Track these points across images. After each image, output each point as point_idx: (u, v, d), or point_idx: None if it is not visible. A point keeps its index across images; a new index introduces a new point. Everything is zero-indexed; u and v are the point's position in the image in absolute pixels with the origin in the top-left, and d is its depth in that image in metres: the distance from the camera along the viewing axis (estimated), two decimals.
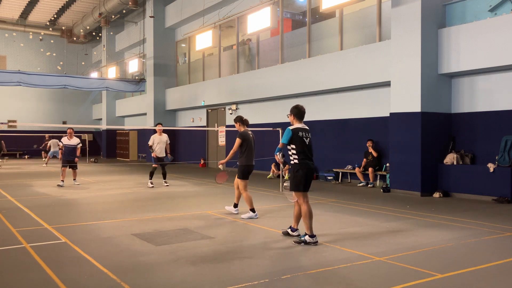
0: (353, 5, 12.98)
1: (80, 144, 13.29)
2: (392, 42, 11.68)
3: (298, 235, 6.14)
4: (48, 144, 22.27)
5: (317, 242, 5.88)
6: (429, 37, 11.00)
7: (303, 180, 5.89)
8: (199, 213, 8.30)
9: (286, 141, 5.93)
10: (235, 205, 8.28)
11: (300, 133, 5.92)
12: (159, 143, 12.88)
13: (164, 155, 13.05)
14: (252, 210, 7.85)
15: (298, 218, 6.21)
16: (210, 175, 16.88)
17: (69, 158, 13.00)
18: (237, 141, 7.89)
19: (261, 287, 4.24)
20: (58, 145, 13.49)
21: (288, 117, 6.24)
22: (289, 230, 6.38)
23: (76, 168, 13.34)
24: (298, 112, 6.06)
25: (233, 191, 8.23)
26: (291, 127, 5.98)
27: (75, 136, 13.27)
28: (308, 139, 6.01)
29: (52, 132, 27.57)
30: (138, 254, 5.42)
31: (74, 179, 13.33)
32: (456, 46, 10.73)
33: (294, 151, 5.94)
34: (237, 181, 8.02)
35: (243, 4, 17.63)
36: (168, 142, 13.20)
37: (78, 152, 13.16)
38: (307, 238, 5.86)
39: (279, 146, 6.11)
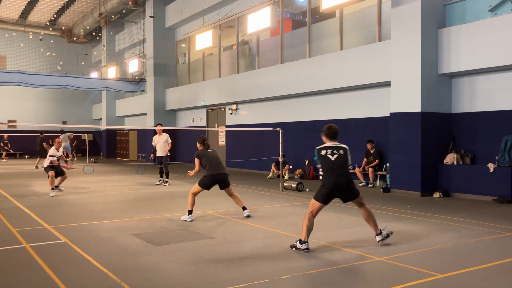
0: (353, 5, 12.98)
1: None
2: (392, 42, 11.68)
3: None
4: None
5: (308, 249, 5.55)
6: (429, 37, 11.00)
7: (326, 194, 5.82)
8: (199, 213, 8.30)
9: (315, 159, 6.24)
10: (244, 208, 8.13)
11: (323, 151, 6.06)
12: (158, 143, 13.08)
13: (164, 154, 13.09)
14: (190, 212, 7.73)
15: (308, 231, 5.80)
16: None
17: (57, 167, 11.56)
18: (195, 160, 8.10)
19: (261, 287, 4.24)
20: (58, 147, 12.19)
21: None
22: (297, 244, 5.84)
23: (64, 174, 11.73)
24: (328, 133, 6.28)
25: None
26: (318, 147, 6.20)
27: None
28: (336, 155, 5.98)
29: (53, 132, 27.57)
30: (138, 254, 5.42)
31: (56, 186, 11.60)
32: (456, 46, 10.72)
33: (320, 168, 6.23)
34: (228, 189, 8.09)
35: (243, 4, 17.63)
36: (169, 141, 13.22)
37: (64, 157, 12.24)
38: (297, 244, 5.60)
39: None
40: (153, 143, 13.32)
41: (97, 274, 4.67)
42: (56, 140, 11.93)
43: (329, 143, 6.14)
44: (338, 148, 6.06)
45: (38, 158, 21.03)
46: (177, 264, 5.03)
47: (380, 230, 5.97)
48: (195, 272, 4.73)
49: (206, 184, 7.91)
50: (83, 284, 4.35)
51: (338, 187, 5.82)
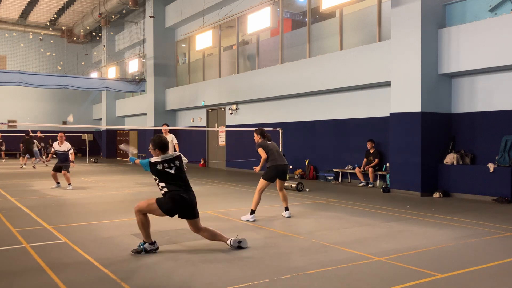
0: (353, 5, 12.98)
1: (71, 150, 12.32)
2: (392, 42, 11.68)
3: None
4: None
5: (158, 248, 5.53)
6: (429, 37, 11.00)
7: (171, 209, 5.40)
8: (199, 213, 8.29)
9: (143, 164, 5.47)
10: (286, 209, 8.05)
11: (159, 166, 5.36)
12: None
13: None
14: (253, 211, 7.66)
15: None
16: (210, 175, 16.89)
17: (61, 164, 12.25)
18: (260, 150, 7.80)
19: (261, 287, 4.24)
20: (41, 147, 12.61)
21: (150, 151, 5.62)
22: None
23: (68, 171, 12.26)
24: (162, 145, 5.46)
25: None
26: (151, 159, 5.43)
27: (66, 141, 12.42)
28: (174, 167, 5.40)
29: (53, 133, 27.56)
30: (138, 254, 5.42)
31: (69, 183, 12.24)
32: (456, 46, 10.73)
33: (157, 182, 5.46)
34: (282, 182, 7.98)
35: (243, 4, 17.64)
36: (175, 142, 13.02)
37: (72, 157, 12.28)
38: (146, 246, 5.46)
39: (136, 162, 5.75)
40: None
41: (97, 274, 4.67)
42: (59, 134, 12.32)
43: (160, 157, 5.40)
44: (174, 159, 5.46)
45: (21, 158, 20.94)
46: (177, 264, 5.03)
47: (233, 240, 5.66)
48: (195, 272, 4.73)
49: (270, 177, 7.74)
50: (83, 284, 4.35)
51: (185, 202, 5.42)
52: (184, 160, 5.84)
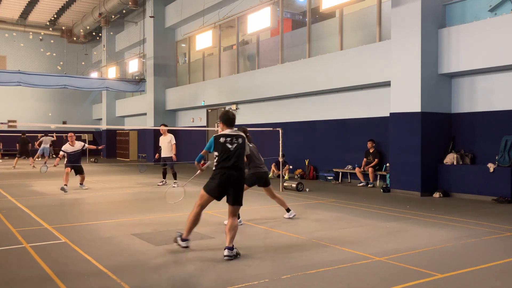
0: (353, 5, 12.98)
1: (86, 145, 12.38)
2: (392, 42, 11.68)
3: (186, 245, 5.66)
4: (39, 140, 22.12)
5: (187, 247, 5.60)
6: (429, 37, 11.00)
7: (215, 187, 5.49)
8: None
9: (207, 148, 5.66)
10: (288, 210, 7.90)
11: (222, 139, 5.52)
12: (162, 144, 12.92)
13: (169, 155, 12.90)
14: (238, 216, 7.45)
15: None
16: (210, 175, 16.88)
17: (75, 164, 11.87)
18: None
19: (261, 287, 4.24)
20: (58, 153, 12.30)
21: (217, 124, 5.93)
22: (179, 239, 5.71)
23: (83, 173, 12.09)
24: (226, 119, 5.69)
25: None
26: (216, 134, 5.66)
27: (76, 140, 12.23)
28: (235, 144, 5.50)
29: (53, 133, 27.53)
30: (138, 254, 5.42)
31: (81, 183, 12.13)
32: (456, 46, 10.73)
33: (215, 158, 5.58)
34: (268, 188, 7.74)
35: (243, 4, 17.64)
36: (173, 142, 12.96)
37: (93, 147, 13.34)
38: (179, 239, 5.62)
39: (202, 153, 5.83)
40: (160, 144, 13.07)
41: (97, 274, 4.67)
42: (69, 134, 12.02)
43: (227, 131, 5.61)
44: (237, 137, 5.57)
45: (16, 158, 21.03)
46: (177, 264, 5.04)
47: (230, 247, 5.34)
48: (195, 272, 4.73)
49: (249, 184, 7.43)
50: (83, 284, 4.35)
51: (231, 181, 5.45)
52: (247, 150, 5.72)
